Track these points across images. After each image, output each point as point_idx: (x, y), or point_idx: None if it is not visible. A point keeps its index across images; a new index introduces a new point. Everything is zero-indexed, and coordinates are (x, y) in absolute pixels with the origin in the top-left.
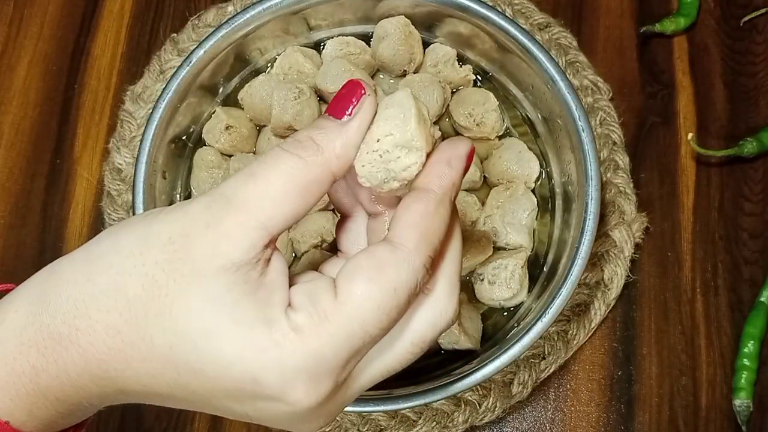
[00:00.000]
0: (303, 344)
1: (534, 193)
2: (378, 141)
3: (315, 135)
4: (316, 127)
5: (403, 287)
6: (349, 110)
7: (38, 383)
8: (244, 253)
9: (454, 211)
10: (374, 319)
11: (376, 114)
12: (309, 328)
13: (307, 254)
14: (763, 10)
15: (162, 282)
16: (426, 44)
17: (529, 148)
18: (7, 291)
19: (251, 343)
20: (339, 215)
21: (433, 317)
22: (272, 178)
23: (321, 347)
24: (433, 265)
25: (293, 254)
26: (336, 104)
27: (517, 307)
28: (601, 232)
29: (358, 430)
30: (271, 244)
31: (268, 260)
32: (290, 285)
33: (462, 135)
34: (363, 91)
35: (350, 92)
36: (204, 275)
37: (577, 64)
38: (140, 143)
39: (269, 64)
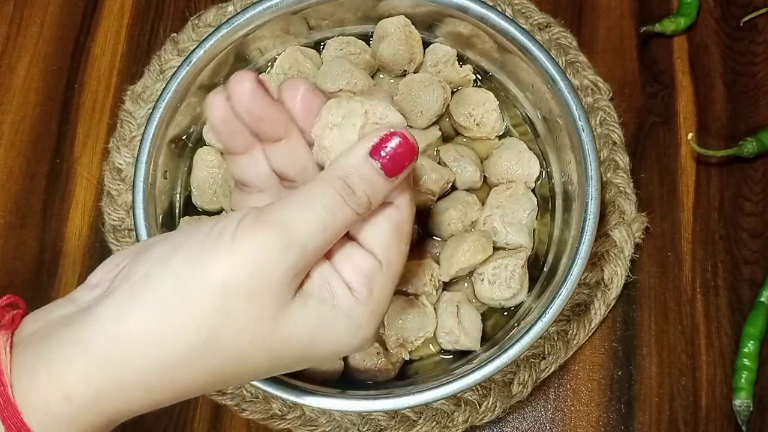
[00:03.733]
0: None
1: (534, 193)
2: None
3: (370, 193)
4: (370, 182)
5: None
6: (403, 173)
7: None
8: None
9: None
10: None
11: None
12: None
13: None
14: (763, 10)
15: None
16: (426, 44)
17: (529, 148)
18: (11, 304)
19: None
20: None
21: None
22: (327, 223)
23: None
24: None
25: None
26: (392, 163)
27: (517, 307)
28: (601, 232)
29: (358, 430)
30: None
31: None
32: None
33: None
34: (416, 157)
35: (408, 155)
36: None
37: (577, 64)
38: (140, 143)
39: (269, 64)
